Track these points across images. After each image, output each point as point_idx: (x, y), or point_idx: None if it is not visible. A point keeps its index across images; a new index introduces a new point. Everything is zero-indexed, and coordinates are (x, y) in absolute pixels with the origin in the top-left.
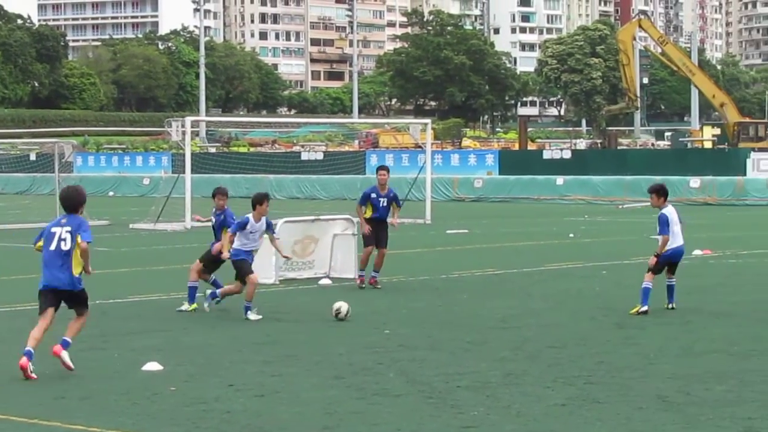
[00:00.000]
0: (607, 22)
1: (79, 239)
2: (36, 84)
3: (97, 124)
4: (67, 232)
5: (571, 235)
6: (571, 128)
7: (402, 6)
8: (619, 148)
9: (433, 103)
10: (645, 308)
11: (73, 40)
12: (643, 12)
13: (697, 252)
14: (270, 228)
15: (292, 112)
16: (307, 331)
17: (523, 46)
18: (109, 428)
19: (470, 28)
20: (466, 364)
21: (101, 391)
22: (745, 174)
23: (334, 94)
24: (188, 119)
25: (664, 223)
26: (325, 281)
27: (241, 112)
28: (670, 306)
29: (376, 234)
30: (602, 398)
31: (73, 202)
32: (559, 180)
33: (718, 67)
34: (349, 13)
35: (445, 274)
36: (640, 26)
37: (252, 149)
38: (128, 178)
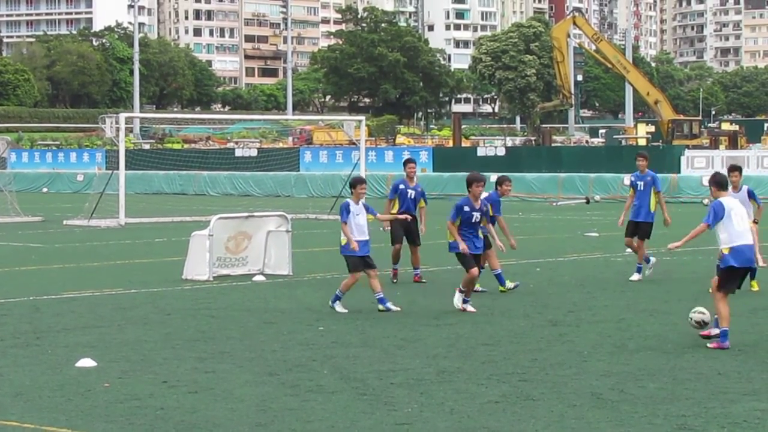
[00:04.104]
0: (542, 19)
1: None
2: None
3: (31, 120)
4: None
5: None
6: (505, 125)
7: (336, 3)
8: (553, 145)
9: (367, 100)
10: None
11: (7, 36)
12: (578, 9)
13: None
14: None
15: (226, 108)
16: (240, 327)
17: (458, 43)
18: (43, 424)
19: (404, 25)
20: (399, 361)
21: (34, 387)
22: (679, 171)
23: (268, 91)
24: (122, 115)
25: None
26: (259, 278)
27: (175, 109)
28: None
29: (405, 229)
30: (536, 395)
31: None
32: (493, 177)
33: (653, 65)
34: (283, 10)
35: (379, 271)
36: (574, 23)
37: (186, 146)
38: (62, 174)
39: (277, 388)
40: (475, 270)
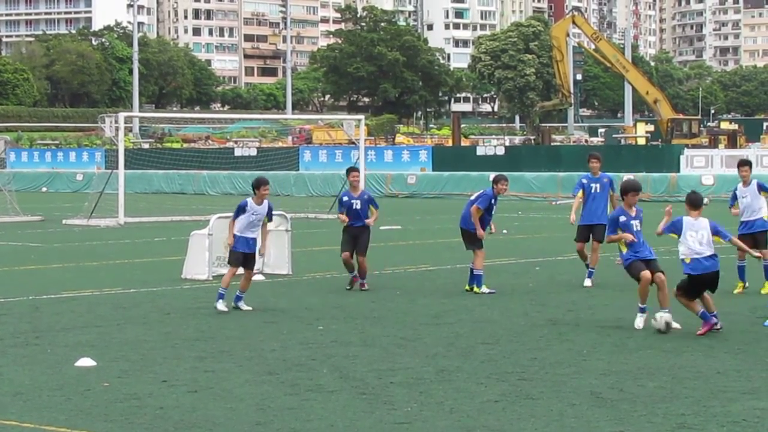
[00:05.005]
0: (541, 18)
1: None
2: None
3: (30, 119)
4: None
5: (504, 231)
6: (504, 124)
7: (335, 2)
8: (552, 144)
9: (366, 99)
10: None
11: (6, 36)
12: (577, 8)
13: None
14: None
15: (226, 108)
16: (240, 327)
17: (457, 43)
18: (42, 424)
19: (404, 24)
20: (399, 360)
21: (34, 386)
22: (678, 170)
23: (267, 90)
24: (121, 115)
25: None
26: (258, 277)
27: (175, 108)
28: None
29: (353, 239)
30: (535, 394)
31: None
32: (492, 176)
33: (652, 64)
34: (283, 9)
35: (378, 270)
36: (573, 22)
37: (185, 145)
38: (61, 173)
39: (276, 388)
40: (646, 272)
